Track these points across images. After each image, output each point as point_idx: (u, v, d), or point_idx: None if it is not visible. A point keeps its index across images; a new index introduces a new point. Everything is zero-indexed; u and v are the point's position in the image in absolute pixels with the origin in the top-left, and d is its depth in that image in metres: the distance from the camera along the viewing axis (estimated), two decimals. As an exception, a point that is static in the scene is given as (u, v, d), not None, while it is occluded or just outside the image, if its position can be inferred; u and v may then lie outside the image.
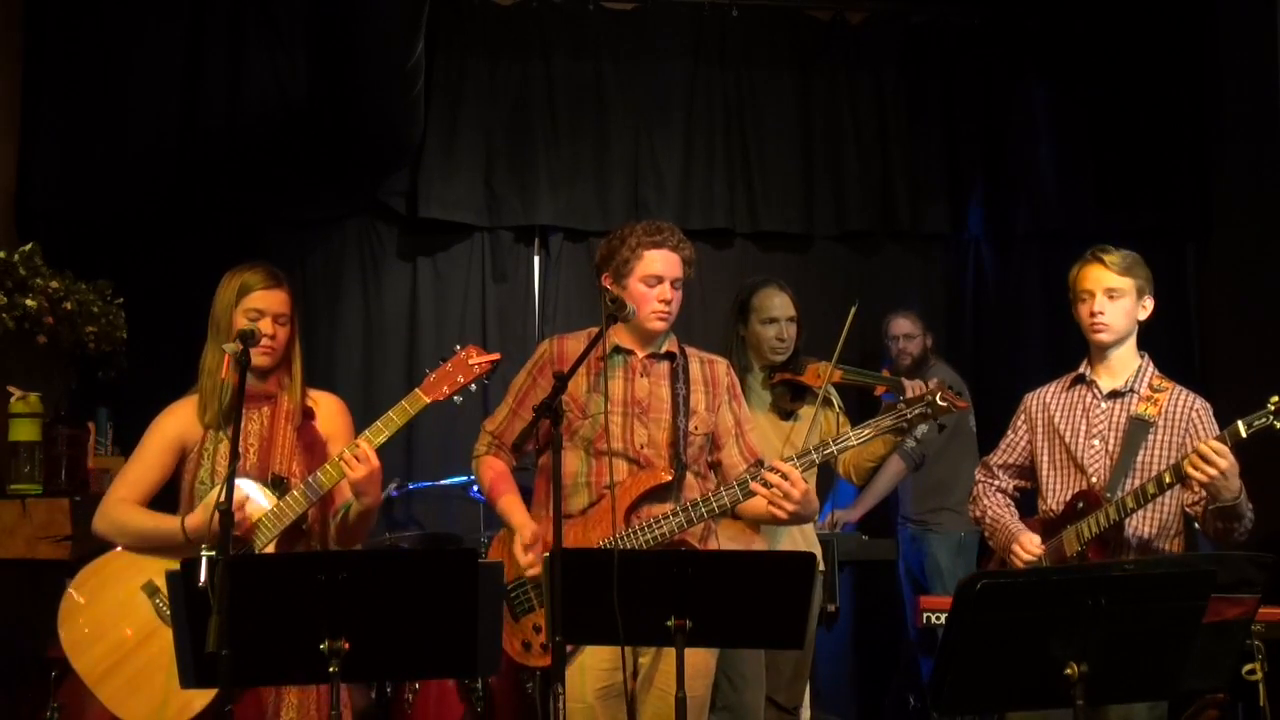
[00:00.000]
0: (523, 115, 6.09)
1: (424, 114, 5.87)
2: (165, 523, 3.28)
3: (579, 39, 6.17)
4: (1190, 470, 3.27)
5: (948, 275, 6.57)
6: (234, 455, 2.89)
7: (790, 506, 3.27)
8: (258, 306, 3.31)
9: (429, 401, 3.30)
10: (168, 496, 3.40)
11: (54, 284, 4.57)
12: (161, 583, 3.25)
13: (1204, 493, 3.35)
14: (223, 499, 2.80)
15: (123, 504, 3.34)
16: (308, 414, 3.40)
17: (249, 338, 3.17)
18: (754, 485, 3.32)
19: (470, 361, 3.31)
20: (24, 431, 4.36)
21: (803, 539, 4.39)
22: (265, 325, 3.29)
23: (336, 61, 5.69)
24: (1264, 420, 3.24)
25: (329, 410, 3.46)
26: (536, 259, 6.21)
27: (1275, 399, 3.24)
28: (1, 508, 4.27)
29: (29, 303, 4.46)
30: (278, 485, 3.28)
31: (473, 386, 3.32)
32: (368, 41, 5.29)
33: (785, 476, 3.26)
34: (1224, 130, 6.38)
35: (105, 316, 4.80)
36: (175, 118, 5.77)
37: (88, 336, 4.73)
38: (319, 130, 5.83)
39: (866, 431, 3.46)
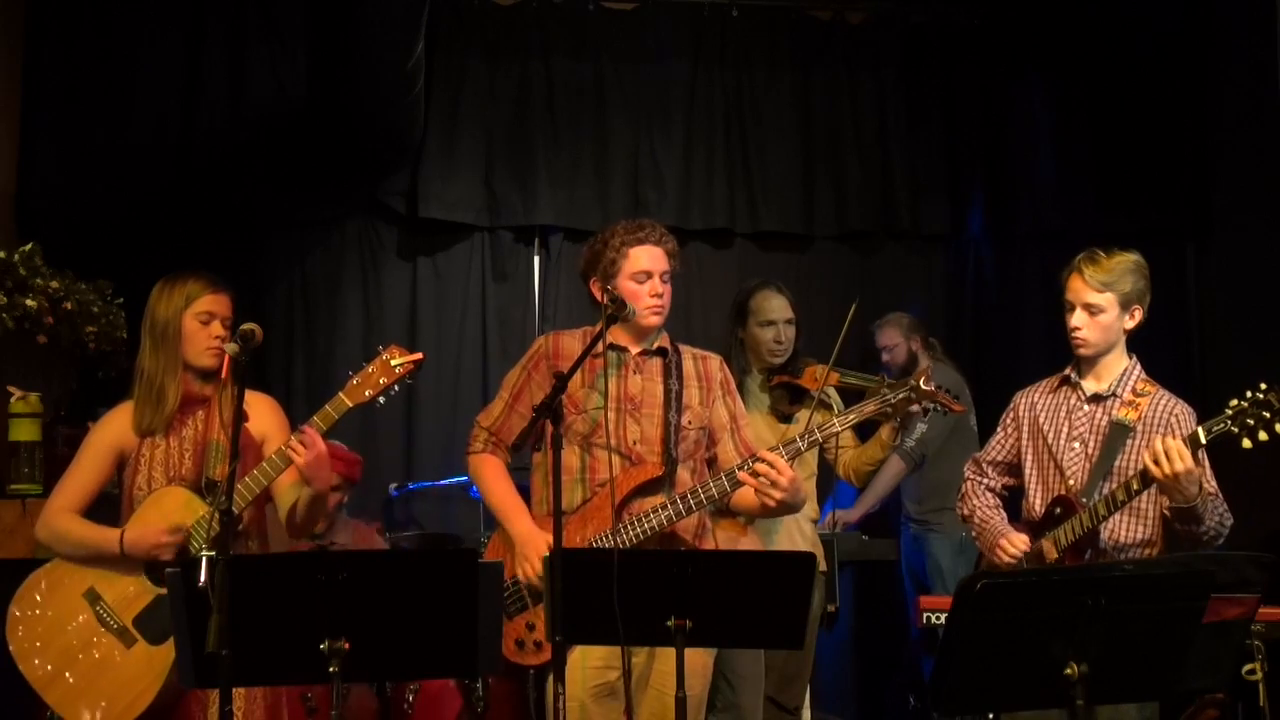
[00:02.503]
0: (523, 115, 6.09)
1: (424, 114, 5.87)
2: (104, 535, 3.31)
3: (579, 39, 6.17)
4: (1150, 465, 3.24)
5: (948, 275, 6.57)
6: (234, 455, 2.88)
7: (778, 495, 3.27)
8: (209, 309, 3.33)
9: (351, 405, 3.26)
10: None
11: (54, 284, 4.57)
12: (103, 590, 3.31)
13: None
14: (222, 499, 2.81)
15: (62, 514, 3.37)
16: (241, 416, 3.39)
17: (249, 337, 3.16)
18: (741, 475, 3.32)
19: (393, 362, 3.26)
20: (24, 431, 4.36)
21: (802, 539, 4.39)
22: (215, 328, 3.31)
23: (336, 61, 5.69)
24: (1222, 425, 3.22)
25: (261, 410, 3.45)
26: (536, 259, 6.21)
27: (1234, 402, 3.21)
28: (1, 508, 4.27)
29: (29, 303, 4.46)
30: (211, 490, 3.28)
31: (395, 388, 3.28)
32: (368, 41, 5.29)
33: (772, 465, 3.26)
34: (1224, 130, 6.38)
35: (105, 316, 4.80)
36: (175, 118, 5.78)
37: (88, 336, 4.73)
38: (319, 130, 5.83)
39: (850, 416, 3.47)
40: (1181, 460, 3.19)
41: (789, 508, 3.39)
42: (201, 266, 3.50)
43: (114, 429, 3.40)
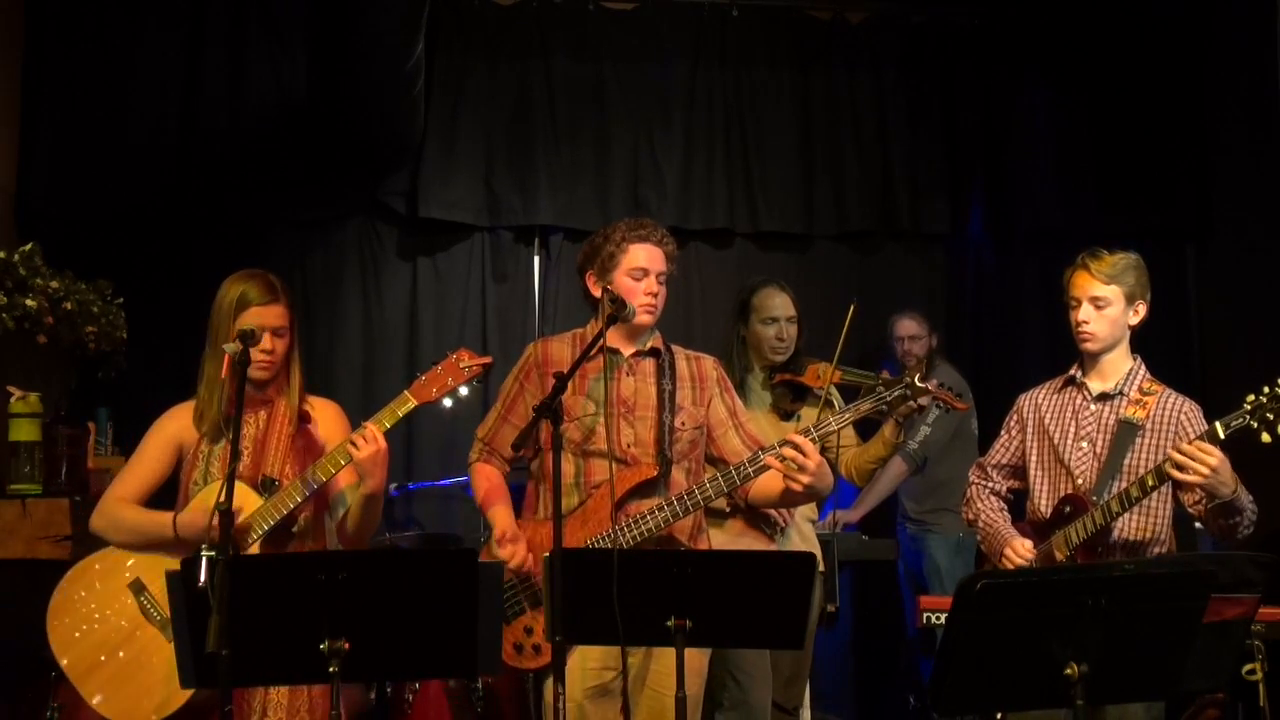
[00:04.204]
0: (523, 115, 6.09)
1: (424, 114, 5.87)
2: (158, 519, 3.30)
3: (579, 39, 6.17)
4: (1179, 475, 3.24)
5: (948, 275, 6.57)
6: (234, 455, 2.89)
7: (805, 478, 3.25)
8: (254, 323, 3.29)
9: (416, 404, 3.28)
10: (168, 499, 3.41)
11: (54, 284, 4.57)
12: (149, 581, 3.28)
13: (1202, 493, 3.34)
14: (222, 499, 2.80)
15: (120, 502, 3.36)
16: (304, 419, 3.40)
17: (249, 337, 3.17)
18: (768, 458, 3.31)
19: (461, 365, 3.29)
20: (24, 431, 4.36)
21: (800, 539, 4.39)
22: (264, 341, 3.28)
23: (336, 61, 5.69)
24: (1241, 420, 3.23)
25: (326, 416, 3.46)
26: (536, 259, 6.21)
27: (1251, 397, 3.22)
28: (1, 508, 4.27)
29: (29, 303, 4.46)
30: (268, 487, 3.27)
31: (463, 390, 3.29)
32: (368, 41, 5.28)
33: (799, 448, 3.24)
34: (1224, 130, 6.39)
35: (105, 316, 4.80)
36: (175, 118, 5.78)
37: (88, 336, 4.73)
38: (319, 130, 5.84)
39: (846, 415, 3.46)
40: (1212, 456, 3.20)
41: (815, 492, 3.37)
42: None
43: (177, 423, 3.39)
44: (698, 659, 3.44)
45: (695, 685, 3.43)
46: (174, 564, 3.23)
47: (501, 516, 3.46)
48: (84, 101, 5.71)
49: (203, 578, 2.66)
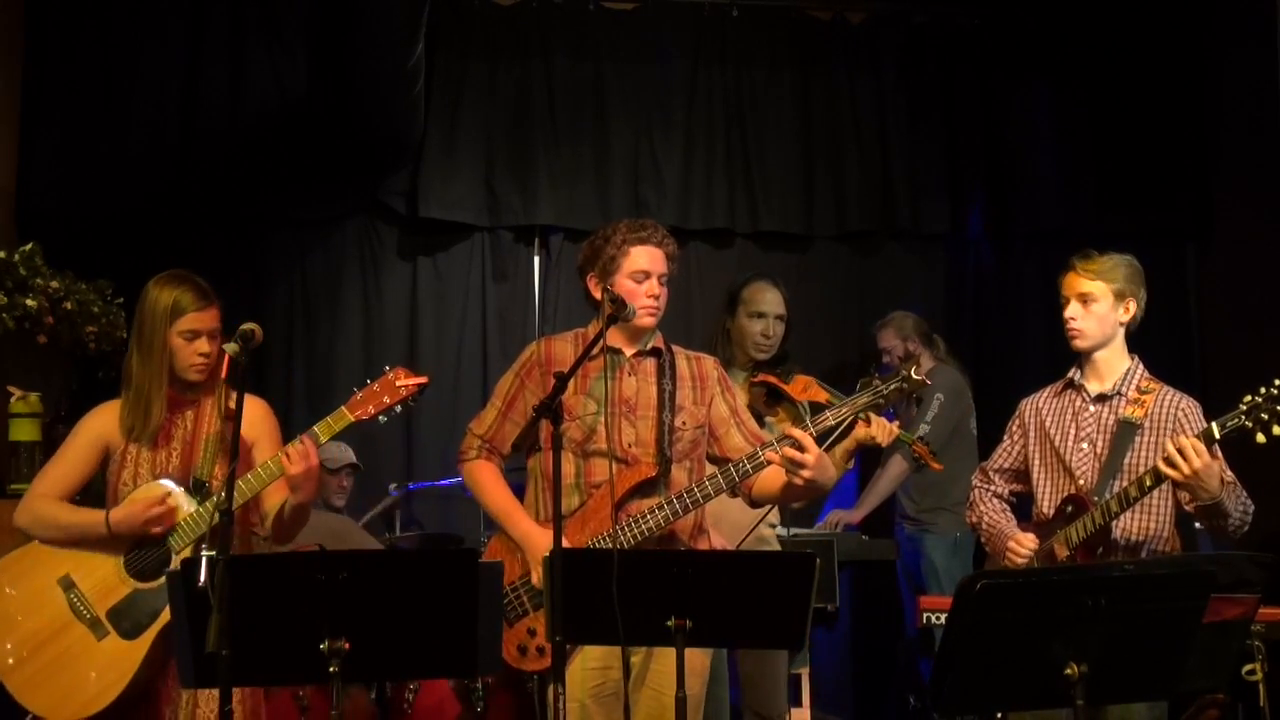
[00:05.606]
0: (523, 115, 6.09)
1: (424, 114, 5.87)
2: (89, 516, 3.30)
3: (579, 39, 6.17)
4: (1165, 469, 3.25)
5: (948, 275, 6.57)
6: (234, 455, 2.88)
7: (806, 473, 3.23)
8: (193, 328, 3.31)
9: (353, 419, 3.31)
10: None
11: (54, 284, 4.59)
12: (78, 577, 3.29)
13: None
14: (222, 499, 2.81)
15: (45, 499, 3.36)
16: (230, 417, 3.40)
17: (249, 338, 3.17)
18: (768, 454, 3.31)
19: (398, 383, 3.31)
20: (24, 431, 4.37)
21: (761, 544, 4.34)
22: (201, 344, 3.30)
23: (336, 61, 5.69)
24: (1237, 420, 3.23)
25: (252, 414, 3.43)
26: (536, 259, 6.21)
27: (1248, 398, 3.22)
28: (1, 508, 4.27)
29: (29, 303, 4.47)
30: (199, 489, 3.28)
31: (398, 408, 3.32)
32: (368, 41, 5.29)
33: (798, 443, 3.23)
34: (1224, 130, 6.39)
35: (105, 316, 4.81)
36: (175, 117, 5.78)
37: (88, 336, 4.73)
38: (319, 130, 5.84)
39: (844, 410, 3.45)
40: (1199, 457, 3.20)
41: (817, 487, 3.35)
42: (201, 267, 3.48)
43: (102, 423, 3.39)
44: (699, 659, 3.44)
45: (695, 685, 3.42)
46: (105, 560, 3.28)
47: (529, 526, 3.44)
48: (84, 101, 5.71)
49: (203, 578, 2.66)
